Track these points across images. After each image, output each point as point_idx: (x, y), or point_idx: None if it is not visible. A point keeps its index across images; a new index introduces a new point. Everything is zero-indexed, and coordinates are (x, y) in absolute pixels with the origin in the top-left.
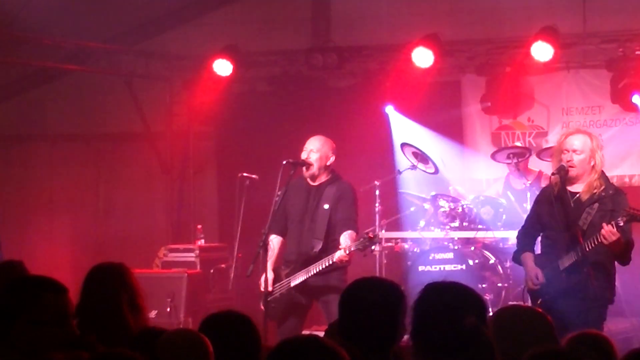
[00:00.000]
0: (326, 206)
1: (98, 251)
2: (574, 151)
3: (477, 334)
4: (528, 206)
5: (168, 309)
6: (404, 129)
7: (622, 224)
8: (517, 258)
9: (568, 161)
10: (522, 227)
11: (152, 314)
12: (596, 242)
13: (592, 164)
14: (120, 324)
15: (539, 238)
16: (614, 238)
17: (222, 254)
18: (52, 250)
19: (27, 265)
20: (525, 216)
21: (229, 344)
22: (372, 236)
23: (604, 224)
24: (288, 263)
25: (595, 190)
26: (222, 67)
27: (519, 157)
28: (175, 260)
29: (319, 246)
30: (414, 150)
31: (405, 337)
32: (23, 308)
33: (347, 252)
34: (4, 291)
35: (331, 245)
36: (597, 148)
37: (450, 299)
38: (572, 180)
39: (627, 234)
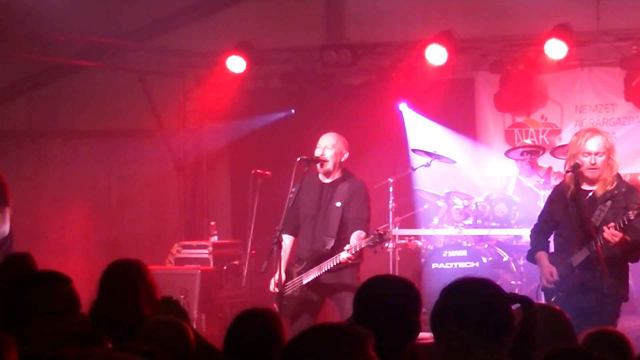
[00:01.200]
0: (339, 204)
1: (111, 248)
2: (596, 154)
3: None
4: (541, 204)
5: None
6: (417, 126)
7: (632, 217)
8: (531, 257)
9: (592, 164)
10: (535, 225)
11: None
12: (603, 242)
13: (609, 162)
14: (139, 319)
15: (552, 236)
16: (616, 239)
17: (235, 250)
18: (65, 247)
19: (40, 261)
20: (538, 214)
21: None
22: (382, 233)
23: (605, 227)
24: (301, 260)
25: (608, 188)
26: (236, 64)
27: (532, 155)
28: (188, 257)
29: (331, 244)
30: (426, 152)
31: (422, 334)
32: (39, 300)
33: (353, 252)
34: (16, 285)
35: (343, 243)
36: (613, 146)
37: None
38: (592, 181)
39: (638, 232)
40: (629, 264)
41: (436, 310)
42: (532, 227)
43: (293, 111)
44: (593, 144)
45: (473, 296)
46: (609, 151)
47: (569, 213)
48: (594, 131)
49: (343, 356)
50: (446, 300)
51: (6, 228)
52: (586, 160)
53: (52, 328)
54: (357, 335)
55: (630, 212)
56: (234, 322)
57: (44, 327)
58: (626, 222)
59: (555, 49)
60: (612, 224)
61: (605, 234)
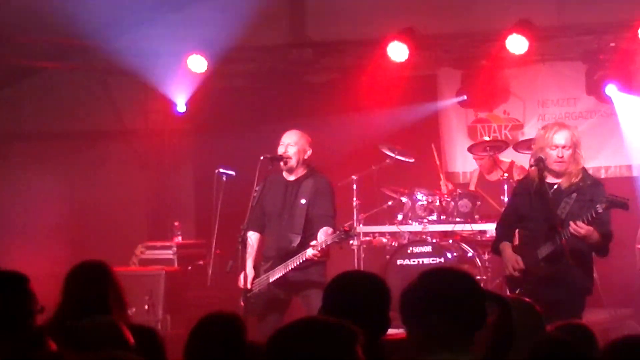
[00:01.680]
0: (303, 201)
1: (75, 249)
2: (563, 147)
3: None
4: (505, 198)
5: (146, 307)
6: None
7: (601, 210)
8: (495, 248)
9: (560, 157)
10: (500, 218)
11: (130, 311)
12: (568, 235)
13: (575, 156)
14: None
15: (517, 230)
16: (582, 232)
17: (200, 250)
18: (28, 248)
19: (3, 263)
20: (501, 208)
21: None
22: (348, 229)
23: (571, 222)
24: (267, 259)
25: (574, 180)
26: (197, 64)
27: (495, 150)
28: (152, 257)
29: (297, 241)
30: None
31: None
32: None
33: (319, 249)
34: None
35: (309, 240)
36: (579, 141)
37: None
38: (557, 174)
39: (606, 226)
40: (594, 257)
41: (410, 298)
42: (494, 221)
43: None
44: (561, 137)
45: (448, 290)
46: (575, 145)
47: (533, 206)
48: (561, 125)
49: (333, 354)
50: (421, 291)
51: None
52: (553, 154)
53: (11, 329)
54: (348, 334)
55: (599, 206)
56: (196, 326)
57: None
58: (594, 215)
59: (517, 44)
60: (592, 210)
61: (570, 228)
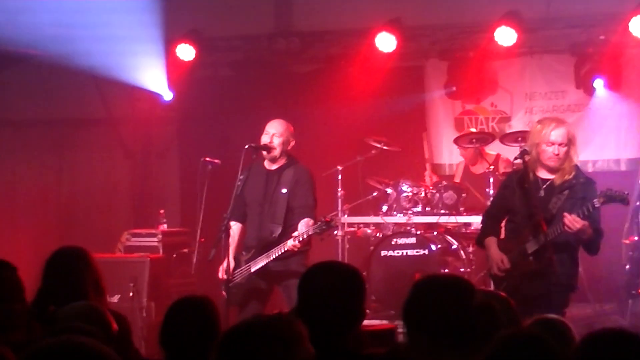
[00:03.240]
0: (284, 190)
1: (61, 235)
2: (560, 144)
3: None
4: (491, 191)
5: (131, 294)
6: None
7: (598, 205)
8: (480, 241)
9: (555, 154)
10: (487, 210)
11: (115, 298)
12: (560, 230)
13: (570, 153)
14: None
15: (504, 222)
16: (578, 226)
17: (184, 238)
18: (15, 235)
19: None
20: (486, 201)
21: (193, 328)
22: (328, 220)
23: (565, 214)
24: (248, 248)
25: (567, 177)
26: (185, 52)
27: (481, 143)
28: (137, 244)
29: (278, 231)
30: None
31: (367, 322)
32: None
33: (299, 240)
34: None
35: (290, 230)
36: (574, 137)
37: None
38: (551, 170)
39: (597, 223)
40: (579, 253)
41: (405, 309)
42: (479, 214)
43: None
44: (558, 134)
45: (438, 307)
46: (570, 142)
47: (521, 200)
48: (558, 121)
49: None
50: (412, 304)
51: None
52: (549, 150)
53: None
54: (292, 335)
55: (595, 200)
56: (168, 310)
57: None
58: (590, 210)
59: (505, 36)
60: (588, 204)
61: (565, 220)
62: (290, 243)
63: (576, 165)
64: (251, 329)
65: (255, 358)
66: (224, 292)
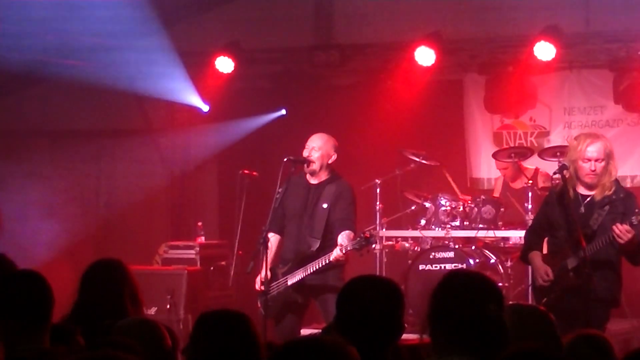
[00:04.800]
0: (325, 205)
1: (98, 247)
2: (596, 160)
3: (498, 321)
4: (530, 205)
5: (168, 306)
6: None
7: (636, 222)
8: (524, 256)
9: (592, 170)
10: (530, 226)
11: (152, 310)
12: (606, 242)
13: (608, 168)
14: (122, 318)
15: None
16: (629, 236)
17: (222, 251)
18: (53, 246)
19: (27, 260)
20: (525, 215)
21: (226, 342)
22: (368, 236)
23: (617, 224)
24: (285, 261)
25: (607, 193)
26: (224, 64)
27: (520, 157)
28: (175, 257)
29: (316, 245)
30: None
31: (405, 336)
32: (12, 300)
33: (344, 251)
34: None
35: (328, 244)
36: (612, 152)
37: (473, 286)
38: (590, 186)
39: (639, 235)
40: (621, 268)
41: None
42: (518, 229)
43: (284, 111)
44: (593, 150)
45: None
46: (608, 157)
47: (563, 216)
48: (594, 136)
49: None
50: (431, 305)
51: None
52: (586, 167)
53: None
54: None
55: (634, 218)
56: (196, 323)
57: (17, 326)
58: (635, 224)
59: (544, 50)
60: (627, 221)
61: (617, 230)
62: (335, 253)
63: (616, 180)
64: (310, 348)
65: None
66: (259, 305)
